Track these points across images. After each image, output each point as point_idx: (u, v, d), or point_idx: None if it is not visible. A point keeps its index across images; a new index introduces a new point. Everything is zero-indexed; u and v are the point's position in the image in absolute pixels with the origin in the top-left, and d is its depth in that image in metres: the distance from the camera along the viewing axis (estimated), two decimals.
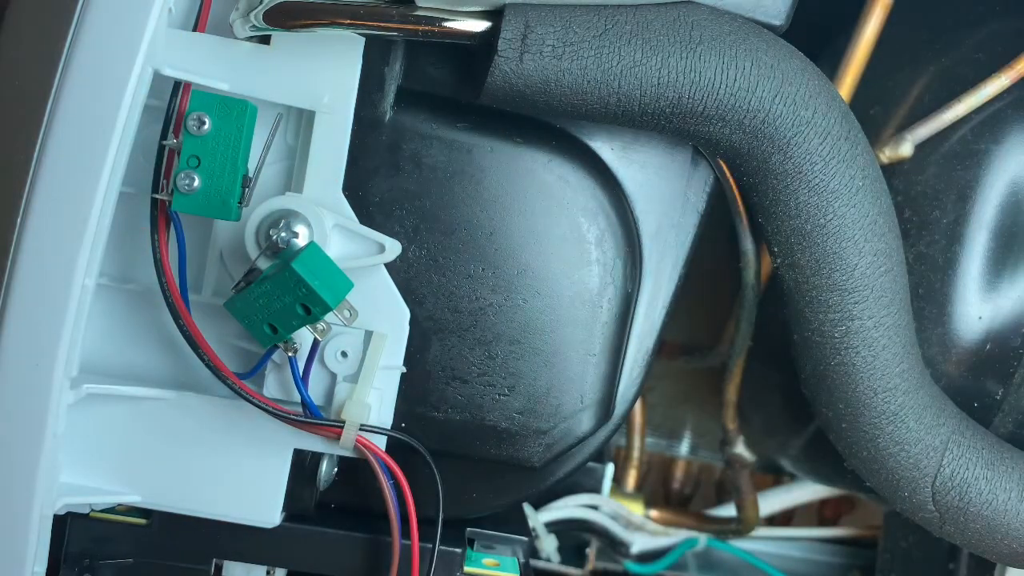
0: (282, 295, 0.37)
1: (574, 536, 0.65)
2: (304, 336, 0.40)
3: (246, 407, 0.40)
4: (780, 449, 0.58)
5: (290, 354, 0.40)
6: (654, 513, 0.67)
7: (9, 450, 0.36)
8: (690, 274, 0.47)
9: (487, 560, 0.46)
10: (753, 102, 0.39)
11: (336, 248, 0.41)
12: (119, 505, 0.43)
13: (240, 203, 0.38)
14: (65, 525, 0.43)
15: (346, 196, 0.41)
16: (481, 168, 0.43)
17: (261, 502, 0.42)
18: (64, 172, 0.36)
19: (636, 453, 0.69)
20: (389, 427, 0.42)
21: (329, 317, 0.39)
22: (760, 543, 0.70)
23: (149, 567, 0.43)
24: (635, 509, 0.66)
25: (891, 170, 0.48)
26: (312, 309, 0.37)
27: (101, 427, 0.41)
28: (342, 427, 0.41)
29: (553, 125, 0.44)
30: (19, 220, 0.36)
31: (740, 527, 0.64)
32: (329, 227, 0.40)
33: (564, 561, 0.64)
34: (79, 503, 0.41)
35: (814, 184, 0.41)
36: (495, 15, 0.39)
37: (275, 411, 0.40)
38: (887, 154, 0.48)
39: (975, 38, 0.50)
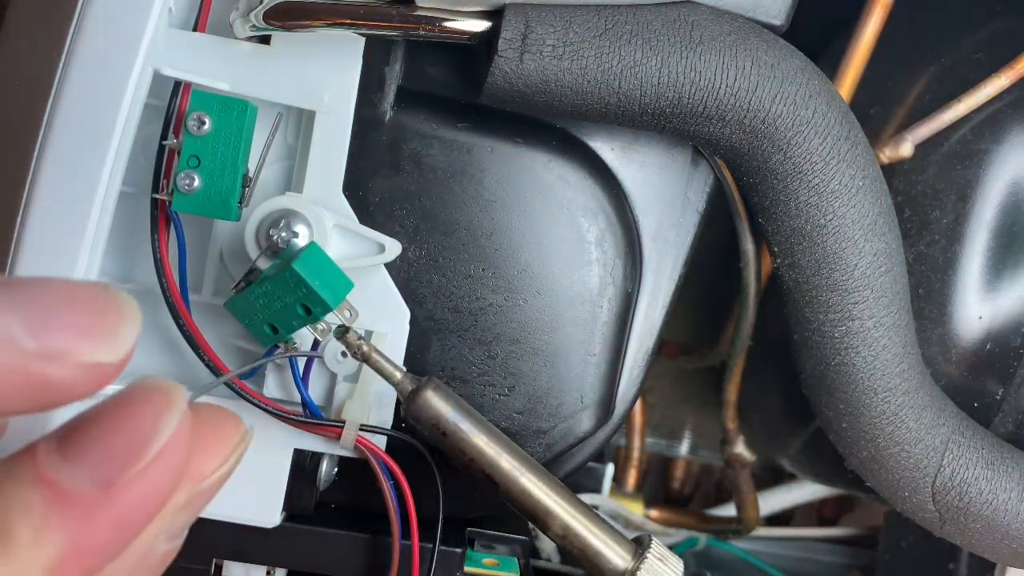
0: (283, 295, 0.37)
1: None
2: (304, 336, 0.40)
3: (246, 407, 0.40)
4: (780, 449, 0.59)
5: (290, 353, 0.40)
6: (654, 513, 0.67)
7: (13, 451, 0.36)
8: (690, 274, 0.47)
9: (487, 560, 0.46)
10: (753, 102, 0.39)
11: (336, 248, 0.41)
12: None
13: (240, 203, 0.38)
14: None
15: (346, 196, 0.41)
16: (481, 168, 0.43)
17: (261, 502, 0.42)
18: (64, 172, 0.36)
19: (636, 453, 0.69)
20: (389, 427, 0.42)
21: (329, 317, 0.39)
22: (760, 543, 0.70)
23: None
24: (635, 509, 0.66)
25: (891, 170, 0.48)
26: (312, 309, 0.37)
27: None
28: (342, 427, 0.41)
29: (553, 125, 0.44)
30: (19, 220, 0.36)
31: (740, 527, 0.64)
32: (329, 227, 0.40)
33: (564, 561, 0.64)
34: None
35: (814, 184, 0.41)
36: (495, 15, 0.39)
37: (275, 411, 0.40)
38: (887, 154, 0.48)
39: (975, 38, 0.50)
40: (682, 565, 0.40)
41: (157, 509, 0.25)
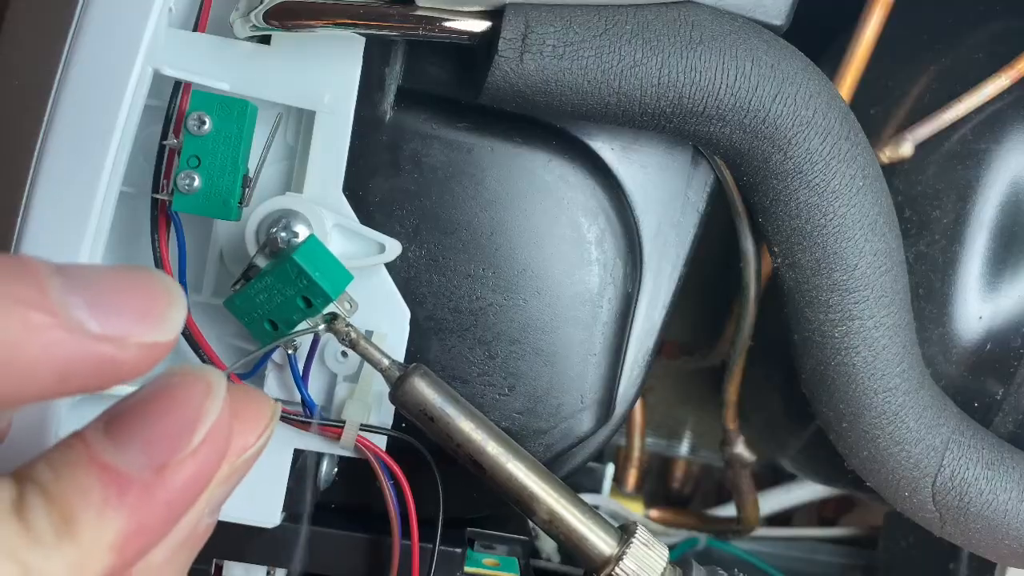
0: (283, 288, 0.37)
1: None
2: (304, 335, 0.40)
3: None
4: (780, 449, 0.58)
5: (290, 351, 0.40)
6: (654, 513, 0.67)
7: (14, 451, 0.36)
8: (690, 274, 0.47)
9: (487, 560, 0.46)
10: (753, 102, 0.39)
11: (336, 248, 0.41)
12: None
13: (240, 203, 0.38)
14: None
15: (346, 196, 0.41)
16: (481, 168, 0.43)
17: (261, 502, 0.42)
18: (64, 172, 0.36)
19: (636, 453, 0.69)
20: (389, 427, 0.42)
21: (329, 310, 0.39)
22: (760, 543, 0.70)
23: None
24: (635, 509, 0.66)
25: (891, 170, 0.48)
26: (313, 301, 0.38)
27: None
28: (342, 427, 0.41)
29: (553, 125, 0.44)
30: (20, 220, 0.36)
31: (740, 527, 0.64)
32: (329, 227, 0.40)
33: (564, 561, 0.64)
34: None
35: (814, 184, 0.41)
36: (495, 15, 0.39)
37: None
38: (887, 154, 0.48)
39: (975, 38, 0.50)
40: (667, 552, 0.40)
41: (206, 486, 0.27)
